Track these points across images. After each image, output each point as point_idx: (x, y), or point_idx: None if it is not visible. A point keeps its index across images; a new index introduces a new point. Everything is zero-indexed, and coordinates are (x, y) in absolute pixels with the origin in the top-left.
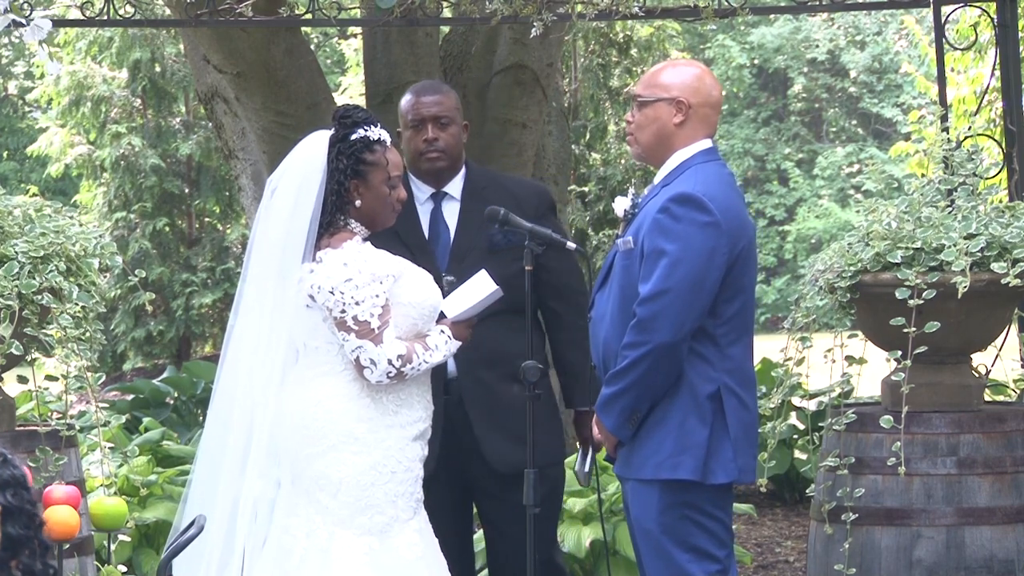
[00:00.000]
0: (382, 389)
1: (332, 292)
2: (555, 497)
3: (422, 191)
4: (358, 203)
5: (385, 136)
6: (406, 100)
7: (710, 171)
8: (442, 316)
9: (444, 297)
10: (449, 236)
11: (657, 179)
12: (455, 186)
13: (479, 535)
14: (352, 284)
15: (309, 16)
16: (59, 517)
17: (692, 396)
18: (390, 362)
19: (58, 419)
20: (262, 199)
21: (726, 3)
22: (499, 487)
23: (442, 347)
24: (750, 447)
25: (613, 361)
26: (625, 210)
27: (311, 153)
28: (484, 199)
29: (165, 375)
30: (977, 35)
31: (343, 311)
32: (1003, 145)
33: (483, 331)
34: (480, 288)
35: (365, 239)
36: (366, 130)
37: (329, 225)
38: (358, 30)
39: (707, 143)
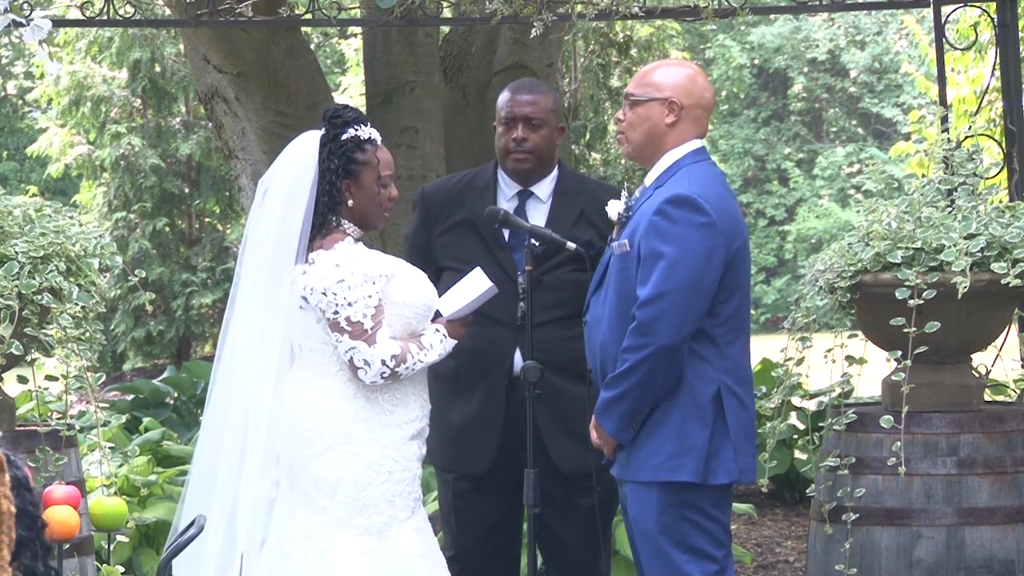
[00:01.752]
0: (377, 389)
1: (324, 293)
2: (613, 501)
3: (509, 187)
4: (350, 203)
5: (376, 135)
6: (503, 97)
7: (703, 171)
8: (438, 315)
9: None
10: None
11: (648, 180)
12: (544, 188)
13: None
14: (344, 285)
15: (309, 16)
16: (59, 517)
17: (692, 397)
18: (383, 363)
19: (58, 419)
20: (254, 200)
21: (726, 3)
22: (558, 487)
23: (437, 346)
24: (750, 446)
25: (611, 365)
26: (619, 213)
27: (302, 154)
28: (574, 204)
29: (165, 375)
30: (977, 35)
31: (336, 312)
32: (1003, 145)
33: (549, 332)
34: (475, 286)
35: (357, 239)
36: (356, 129)
37: (322, 226)
38: (358, 30)
39: (698, 143)
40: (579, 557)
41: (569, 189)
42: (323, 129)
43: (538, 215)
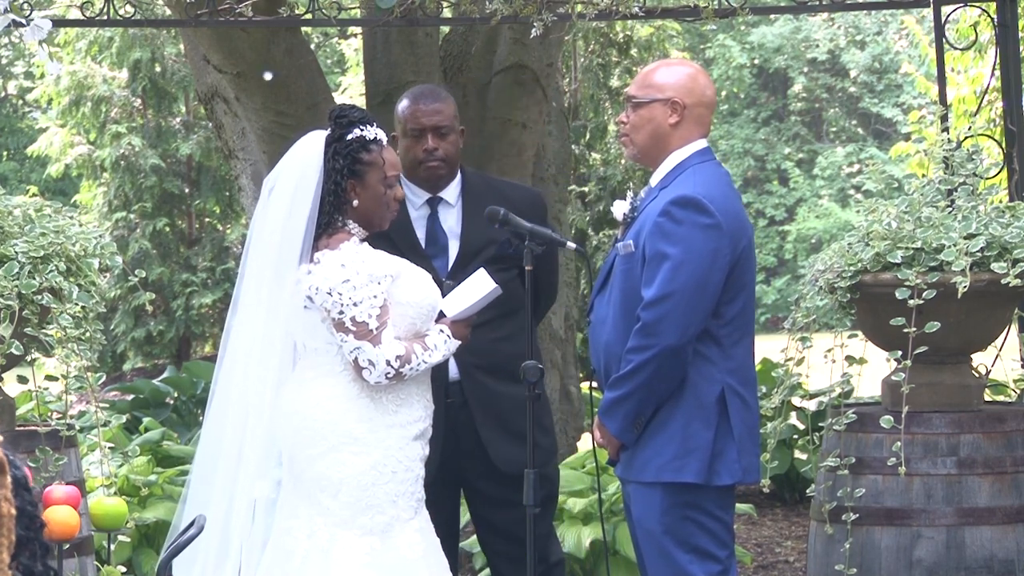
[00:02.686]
0: (381, 389)
1: (330, 293)
2: (553, 496)
3: (417, 196)
4: (355, 203)
5: (381, 135)
6: (404, 107)
7: (708, 172)
8: (441, 315)
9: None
10: (447, 240)
11: (654, 181)
12: (451, 192)
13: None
14: (350, 285)
15: (309, 16)
16: (59, 517)
17: (696, 398)
18: (388, 363)
19: (58, 419)
20: (259, 199)
21: (726, 3)
22: (500, 487)
23: (441, 347)
24: (754, 447)
25: (615, 365)
26: (624, 214)
27: (307, 153)
28: (483, 204)
29: (165, 375)
30: (977, 35)
31: (341, 312)
32: (1003, 145)
33: (480, 334)
34: (479, 287)
35: (363, 240)
36: (362, 130)
37: (327, 226)
38: (358, 30)
39: (702, 143)
40: (523, 553)
41: (475, 189)
42: (328, 129)
43: (450, 219)
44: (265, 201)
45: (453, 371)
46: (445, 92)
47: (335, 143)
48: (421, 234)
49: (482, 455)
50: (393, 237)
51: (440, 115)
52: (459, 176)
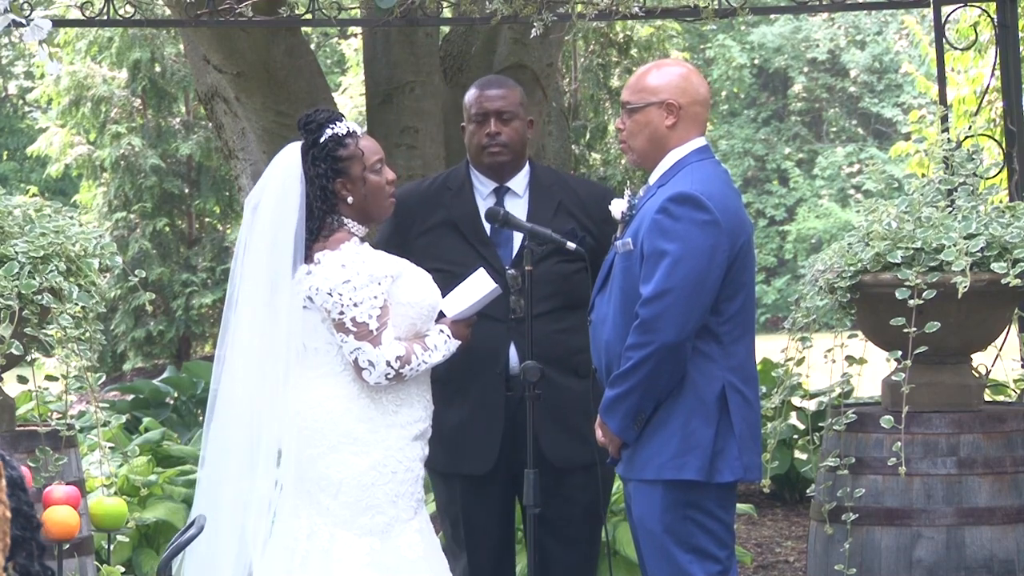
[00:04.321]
0: (382, 389)
1: (330, 294)
2: (605, 496)
3: (484, 185)
4: (350, 200)
5: (355, 127)
6: (470, 94)
7: (706, 169)
8: (442, 315)
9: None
10: (512, 231)
11: (652, 179)
12: (518, 182)
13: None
14: (350, 286)
15: (309, 16)
16: (59, 517)
17: (696, 396)
18: (388, 363)
19: (58, 419)
20: (243, 218)
21: (726, 3)
22: (554, 483)
23: (441, 347)
24: (755, 444)
25: (616, 364)
26: (622, 212)
27: (286, 164)
28: (551, 196)
29: (165, 375)
30: (977, 35)
31: (341, 313)
32: (1003, 145)
33: (542, 325)
34: (479, 286)
35: (363, 239)
36: (333, 127)
37: (321, 229)
38: (358, 30)
39: (700, 141)
40: (572, 552)
41: (543, 182)
42: (302, 138)
43: (517, 210)
44: (250, 219)
45: (514, 365)
46: (512, 82)
47: (312, 149)
48: (487, 222)
49: (535, 446)
50: (460, 226)
51: (503, 100)
52: (527, 167)
